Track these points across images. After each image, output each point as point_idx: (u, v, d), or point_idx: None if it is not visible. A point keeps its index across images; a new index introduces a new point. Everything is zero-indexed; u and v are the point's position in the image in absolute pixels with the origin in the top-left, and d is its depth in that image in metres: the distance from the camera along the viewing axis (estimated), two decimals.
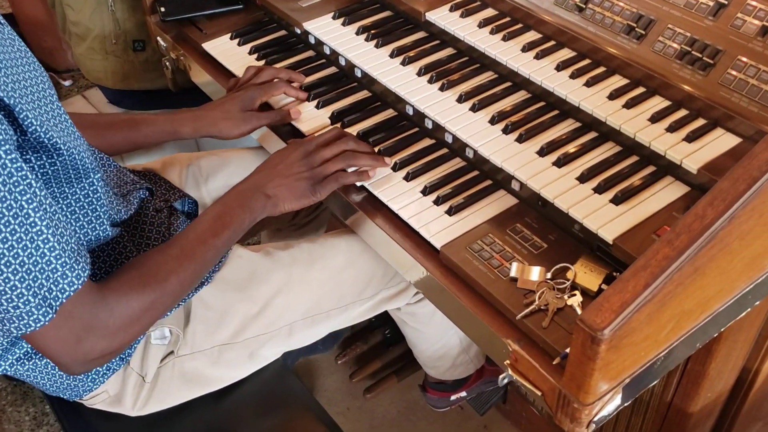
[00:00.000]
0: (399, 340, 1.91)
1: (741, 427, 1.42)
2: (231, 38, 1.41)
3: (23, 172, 0.74)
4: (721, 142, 0.97)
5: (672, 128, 0.99)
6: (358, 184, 1.10)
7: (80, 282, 0.80)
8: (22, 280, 0.76)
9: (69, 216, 0.88)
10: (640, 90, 1.06)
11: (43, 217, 0.76)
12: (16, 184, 0.74)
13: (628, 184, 0.97)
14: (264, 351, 1.14)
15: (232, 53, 1.37)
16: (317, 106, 1.23)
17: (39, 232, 0.76)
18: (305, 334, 1.17)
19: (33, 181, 0.76)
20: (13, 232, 0.74)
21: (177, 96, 1.77)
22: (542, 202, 1.01)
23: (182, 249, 0.93)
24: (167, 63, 1.52)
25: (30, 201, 0.75)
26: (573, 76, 1.09)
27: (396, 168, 1.11)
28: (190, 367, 1.09)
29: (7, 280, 0.75)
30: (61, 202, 0.87)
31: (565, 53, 1.13)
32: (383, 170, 1.11)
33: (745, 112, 0.95)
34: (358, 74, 1.26)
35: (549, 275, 0.94)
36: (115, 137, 1.16)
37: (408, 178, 1.09)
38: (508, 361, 0.92)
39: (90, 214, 0.90)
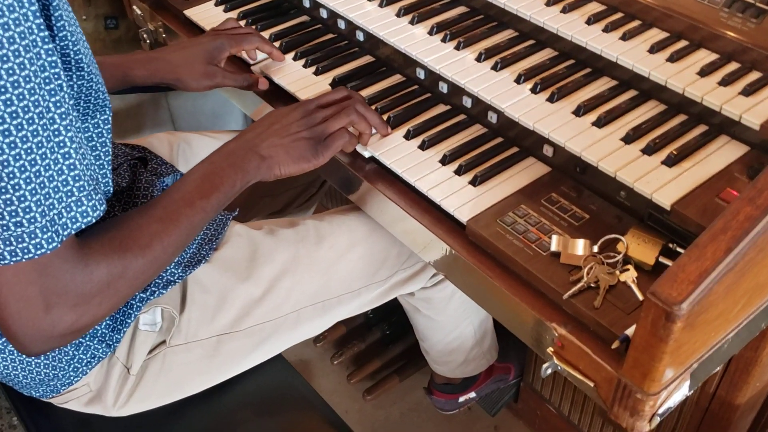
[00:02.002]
0: (399, 338, 1.79)
1: None
2: (216, 4, 1.28)
3: (56, 70, 0.63)
4: None
5: (725, 82, 0.87)
6: (366, 154, 0.97)
7: (95, 215, 0.68)
8: (33, 192, 0.63)
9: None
10: (683, 43, 0.94)
11: (69, 128, 0.65)
12: (48, 81, 0.63)
13: (680, 144, 0.85)
14: (268, 344, 1.00)
15: (218, 20, 1.24)
16: (315, 73, 1.10)
17: (62, 144, 0.64)
18: (314, 323, 1.03)
19: (64, 85, 0.64)
20: (35, 133, 0.62)
21: None
22: (581, 167, 0.89)
23: (166, 210, 0.79)
24: (144, 35, 1.38)
25: (58, 105, 0.64)
26: (606, 30, 0.97)
27: (409, 136, 0.99)
28: (184, 360, 0.94)
29: (17, 187, 0.62)
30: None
31: (595, 6, 1.02)
32: (394, 139, 0.99)
33: None
34: (360, 38, 1.14)
35: (596, 248, 0.82)
36: None
37: (423, 146, 0.97)
38: (551, 349, 0.80)
39: (102, 157, 0.79)
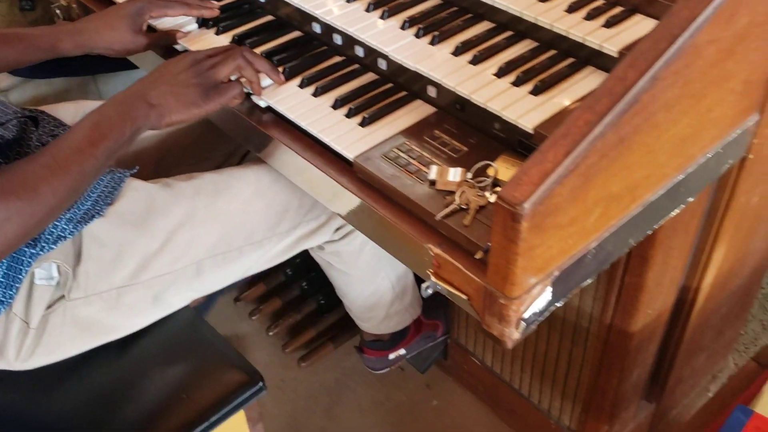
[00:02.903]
0: (334, 308, 1.83)
1: (685, 358, 1.38)
2: None
3: None
4: (641, 26, 0.91)
5: (590, 16, 0.93)
6: (262, 104, 1.01)
7: None
8: None
9: None
10: None
11: None
12: None
13: (547, 75, 0.91)
14: (169, 295, 1.03)
15: None
16: (217, 32, 1.14)
17: None
18: (216, 274, 1.06)
19: None
20: None
21: (78, 61, 1.65)
22: (460, 105, 0.94)
23: (54, 158, 0.81)
24: (57, 11, 1.40)
25: None
26: None
27: (303, 85, 1.03)
28: (85, 313, 0.97)
29: None
30: None
31: None
32: (289, 89, 1.03)
33: None
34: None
35: (470, 175, 0.87)
36: None
37: (317, 93, 1.01)
38: (430, 270, 0.85)
39: None
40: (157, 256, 1.00)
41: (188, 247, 1.02)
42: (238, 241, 1.06)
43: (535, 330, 1.36)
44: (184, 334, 1.05)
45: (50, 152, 0.81)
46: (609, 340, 1.19)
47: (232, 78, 0.98)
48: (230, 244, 1.05)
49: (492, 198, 0.83)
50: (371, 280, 1.32)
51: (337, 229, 1.19)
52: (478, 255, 0.78)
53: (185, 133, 1.25)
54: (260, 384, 1.00)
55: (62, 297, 0.96)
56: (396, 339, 1.53)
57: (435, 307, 1.58)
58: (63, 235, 0.93)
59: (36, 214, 0.79)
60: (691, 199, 0.95)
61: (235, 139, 1.32)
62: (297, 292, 1.88)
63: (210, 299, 1.73)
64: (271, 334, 1.80)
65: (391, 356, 1.56)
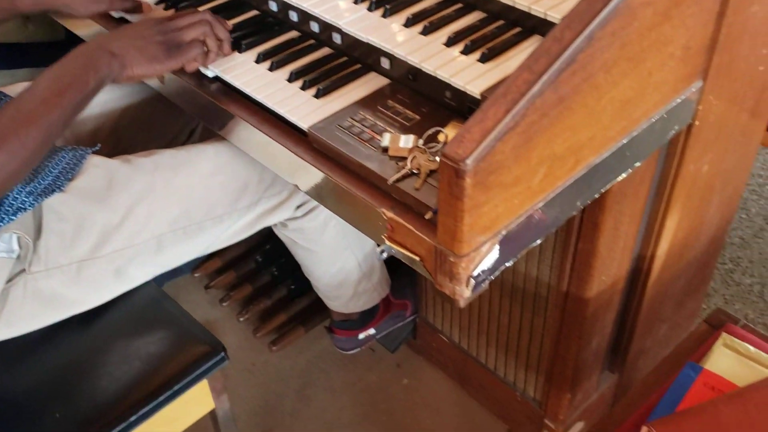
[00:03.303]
0: (305, 292, 1.84)
1: (645, 329, 1.42)
2: None
3: None
4: None
5: None
6: (210, 74, 1.03)
7: None
8: None
9: None
10: None
11: None
12: None
13: (495, 44, 0.93)
14: (131, 269, 1.04)
15: None
16: (177, 8, 1.15)
17: None
18: (177, 249, 1.08)
19: None
20: None
21: (42, 49, 1.65)
22: (413, 75, 0.96)
23: (20, 110, 0.83)
24: None
25: None
26: None
27: (259, 60, 1.05)
28: (46, 286, 0.98)
29: None
30: None
31: None
32: (245, 63, 1.04)
33: None
34: None
35: (421, 141, 0.89)
36: None
37: (272, 68, 1.03)
38: (385, 234, 0.87)
39: None
40: (118, 230, 1.01)
41: (148, 222, 1.03)
42: (198, 215, 1.07)
43: (496, 300, 1.39)
44: (146, 308, 1.06)
45: (15, 106, 0.82)
46: (566, 307, 1.22)
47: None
48: (191, 219, 1.07)
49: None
50: (337, 258, 1.34)
51: (299, 206, 1.21)
52: (428, 215, 0.81)
53: (142, 110, 1.26)
54: (222, 354, 1.01)
55: (23, 271, 0.97)
56: (365, 318, 1.55)
57: (403, 286, 1.60)
58: (23, 207, 0.94)
59: (6, 166, 0.80)
60: (638, 164, 0.98)
61: (192, 117, 1.34)
62: (267, 278, 1.89)
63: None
64: (241, 320, 1.81)
65: (361, 336, 1.58)
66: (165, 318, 1.05)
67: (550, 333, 1.29)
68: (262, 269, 1.90)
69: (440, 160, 0.72)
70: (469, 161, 0.70)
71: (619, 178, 0.96)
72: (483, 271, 0.82)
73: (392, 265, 1.55)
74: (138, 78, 0.94)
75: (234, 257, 1.94)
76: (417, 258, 0.84)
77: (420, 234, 0.81)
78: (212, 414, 1.09)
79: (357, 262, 1.39)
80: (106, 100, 1.22)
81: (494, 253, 0.82)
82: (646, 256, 1.25)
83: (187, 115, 1.31)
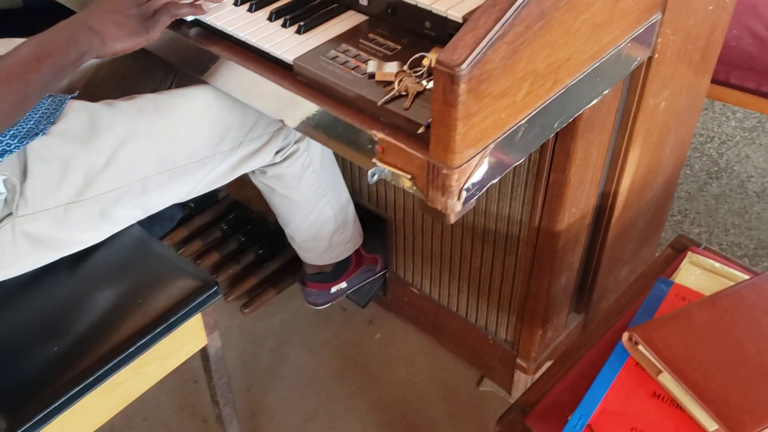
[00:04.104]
0: (273, 256, 1.86)
1: (608, 268, 1.48)
2: None
3: None
4: None
5: None
6: (190, 18, 1.04)
7: None
8: None
9: None
10: None
11: None
12: None
13: None
14: (117, 210, 1.04)
15: None
16: None
17: None
18: (161, 192, 1.08)
19: None
20: None
21: (32, 15, 1.62)
22: (392, 9, 1.00)
23: (0, 69, 0.84)
24: None
25: None
26: None
27: (238, 2, 1.06)
28: (34, 229, 0.98)
29: None
30: None
31: None
32: (225, 5, 1.06)
33: None
34: None
35: (406, 67, 0.92)
36: None
37: (252, 9, 1.05)
38: (375, 158, 0.90)
39: None
40: (103, 173, 1.01)
41: (133, 164, 1.04)
42: (182, 158, 1.08)
43: (468, 245, 1.43)
44: (136, 249, 1.07)
45: None
46: (538, 242, 1.27)
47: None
48: (174, 162, 1.08)
49: (428, 84, 0.89)
50: (313, 207, 1.36)
51: (278, 152, 1.23)
52: (420, 130, 0.84)
53: (117, 67, 1.26)
54: (215, 288, 1.03)
55: (10, 214, 0.97)
56: (338, 271, 1.57)
57: (374, 241, 1.63)
58: (8, 149, 0.94)
59: None
60: (606, 92, 1.03)
61: (168, 72, 1.34)
62: (235, 245, 1.89)
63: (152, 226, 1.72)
64: None
65: (333, 290, 1.61)
66: (156, 257, 1.06)
67: (523, 270, 1.34)
68: (228, 237, 1.90)
69: (434, 68, 0.76)
70: (464, 66, 0.74)
71: (591, 104, 1.02)
72: (473, 184, 0.86)
73: (363, 220, 1.58)
74: (121, 53, 0.97)
75: (199, 226, 1.93)
76: (408, 176, 0.87)
77: (412, 151, 0.85)
78: (203, 352, 1.10)
79: (333, 213, 1.41)
80: None
81: (484, 167, 0.86)
82: (610, 192, 1.31)
83: (163, 71, 1.31)
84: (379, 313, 1.76)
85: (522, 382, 1.52)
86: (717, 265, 1.10)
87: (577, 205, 1.23)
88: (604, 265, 1.45)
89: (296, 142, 1.24)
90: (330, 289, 1.59)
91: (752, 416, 0.86)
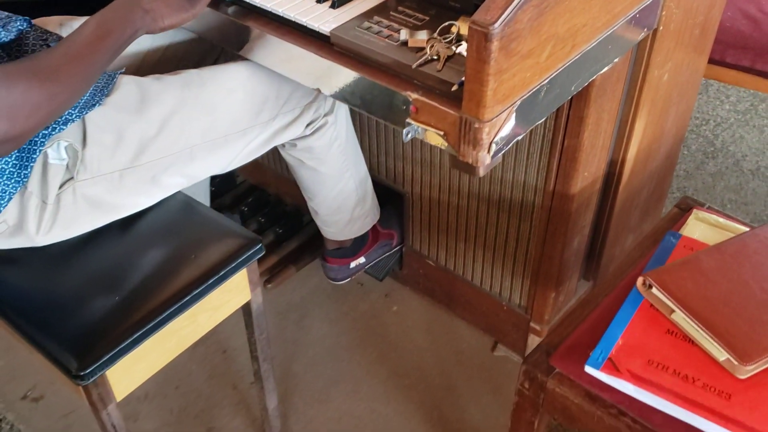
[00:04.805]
0: (292, 236, 1.94)
1: (615, 236, 1.57)
2: None
3: None
4: None
5: None
6: None
7: None
8: None
9: None
10: None
11: None
12: None
13: None
14: (166, 177, 1.13)
15: None
16: None
17: None
18: (206, 161, 1.17)
19: None
20: None
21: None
22: None
23: (69, 49, 0.93)
24: None
25: None
26: None
27: None
28: (92, 193, 1.06)
29: None
30: None
31: None
32: None
33: None
34: None
35: (436, 34, 1.01)
36: None
37: None
38: (409, 119, 0.98)
39: None
40: (154, 141, 1.09)
41: (181, 133, 1.12)
42: (224, 128, 1.16)
43: (484, 213, 1.51)
44: (184, 212, 1.15)
45: (65, 45, 0.93)
46: (552, 206, 1.36)
47: None
48: (218, 132, 1.16)
49: (458, 49, 0.98)
50: (339, 179, 1.44)
51: (309, 124, 1.31)
52: (454, 88, 0.92)
53: (162, 53, 1.33)
54: (260, 245, 1.10)
55: (71, 179, 1.05)
56: (356, 247, 1.65)
57: (389, 217, 1.71)
58: (70, 118, 1.02)
59: (59, 96, 0.90)
60: (616, 59, 1.12)
61: (214, 48, 1.42)
62: (254, 227, 1.97)
63: None
64: None
65: (352, 264, 1.69)
66: (203, 218, 1.13)
67: (537, 235, 1.42)
68: (248, 219, 1.98)
69: (469, 27, 0.84)
70: (496, 26, 0.82)
71: (603, 70, 1.10)
72: (501, 138, 0.94)
73: (379, 197, 1.66)
74: (170, 28, 1.04)
75: (219, 210, 2.01)
76: (441, 133, 0.95)
77: (445, 108, 0.93)
78: (246, 308, 1.17)
79: (354, 186, 1.49)
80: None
81: (511, 122, 0.94)
82: (618, 159, 1.39)
83: (208, 55, 1.39)
84: (396, 287, 1.84)
85: (536, 345, 1.60)
86: (721, 220, 1.18)
87: (589, 170, 1.31)
88: (612, 231, 1.53)
89: (325, 115, 1.32)
90: (349, 264, 1.67)
91: (759, 345, 0.94)
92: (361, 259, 1.69)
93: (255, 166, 2.04)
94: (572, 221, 1.37)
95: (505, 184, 1.42)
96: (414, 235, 1.72)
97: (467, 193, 1.51)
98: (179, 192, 1.18)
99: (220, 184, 2.05)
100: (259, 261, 1.89)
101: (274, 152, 1.91)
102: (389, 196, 1.69)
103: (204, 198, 1.62)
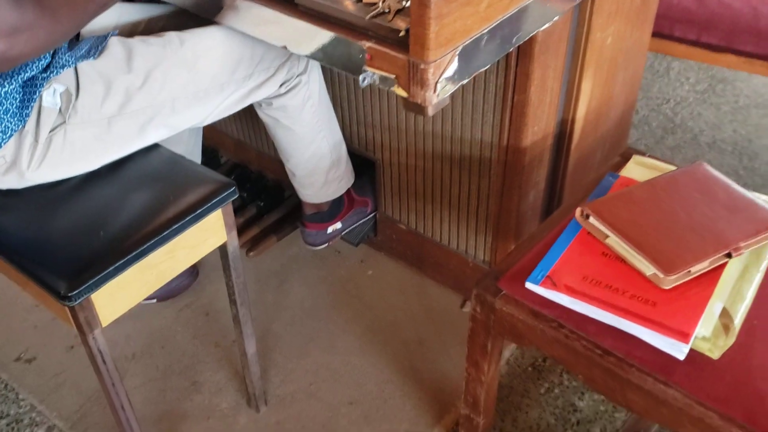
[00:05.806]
0: (273, 208, 2.04)
1: (571, 195, 1.68)
2: None
3: None
4: None
5: None
6: None
7: None
8: None
9: None
10: None
11: None
12: None
13: None
14: (151, 127, 1.25)
15: None
16: None
17: None
18: (187, 113, 1.29)
19: None
20: None
21: None
22: None
23: None
24: None
25: None
26: None
27: None
28: (81, 137, 1.18)
29: None
30: None
31: None
32: None
33: None
34: None
35: None
36: None
37: None
38: (365, 66, 1.09)
39: None
40: (139, 91, 1.21)
41: (164, 85, 1.24)
42: (204, 83, 1.28)
43: (447, 173, 1.61)
44: (166, 162, 1.25)
45: None
46: (507, 161, 1.47)
47: None
48: (198, 85, 1.28)
49: (407, 3, 1.09)
50: (312, 139, 1.55)
51: (282, 84, 1.42)
52: (401, 33, 1.03)
53: (148, 29, 1.45)
54: (233, 188, 1.21)
55: (63, 123, 1.16)
56: (333, 211, 1.76)
57: (364, 185, 1.82)
58: (67, 64, 1.15)
59: (55, 31, 1.01)
60: (556, 18, 1.23)
61: (190, 13, 1.52)
62: (238, 201, 2.08)
63: None
64: None
65: (329, 230, 1.79)
66: (183, 167, 1.24)
67: (494, 191, 1.53)
68: None
69: None
70: None
71: (543, 27, 1.21)
72: (446, 78, 1.05)
73: (354, 167, 1.77)
74: None
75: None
76: (393, 76, 1.06)
77: (394, 53, 1.04)
78: (222, 250, 1.28)
79: (329, 148, 1.61)
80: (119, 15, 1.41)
81: (455, 64, 1.05)
82: (568, 119, 1.51)
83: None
84: (371, 253, 1.94)
85: None
86: (659, 163, 1.30)
87: (539, 125, 1.43)
88: (568, 189, 1.64)
89: (298, 75, 1.44)
90: (327, 229, 1.78)
91: (681, 259, 1.05)
92: (338, 225, 1.80)
93: (238, 145, 2.15)
94: (526, 175, 1.48)
95: (464, 143, 1.54)
96: (386, 201, 1.83)
97: (431, 154, 1.62)
98: (163, 147, 1.29)
99: (205, 163, 2.14)
100: (241, 233, 2.01)
101: (256, 129, 2.02)
102: (364, 166, 1.81)
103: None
